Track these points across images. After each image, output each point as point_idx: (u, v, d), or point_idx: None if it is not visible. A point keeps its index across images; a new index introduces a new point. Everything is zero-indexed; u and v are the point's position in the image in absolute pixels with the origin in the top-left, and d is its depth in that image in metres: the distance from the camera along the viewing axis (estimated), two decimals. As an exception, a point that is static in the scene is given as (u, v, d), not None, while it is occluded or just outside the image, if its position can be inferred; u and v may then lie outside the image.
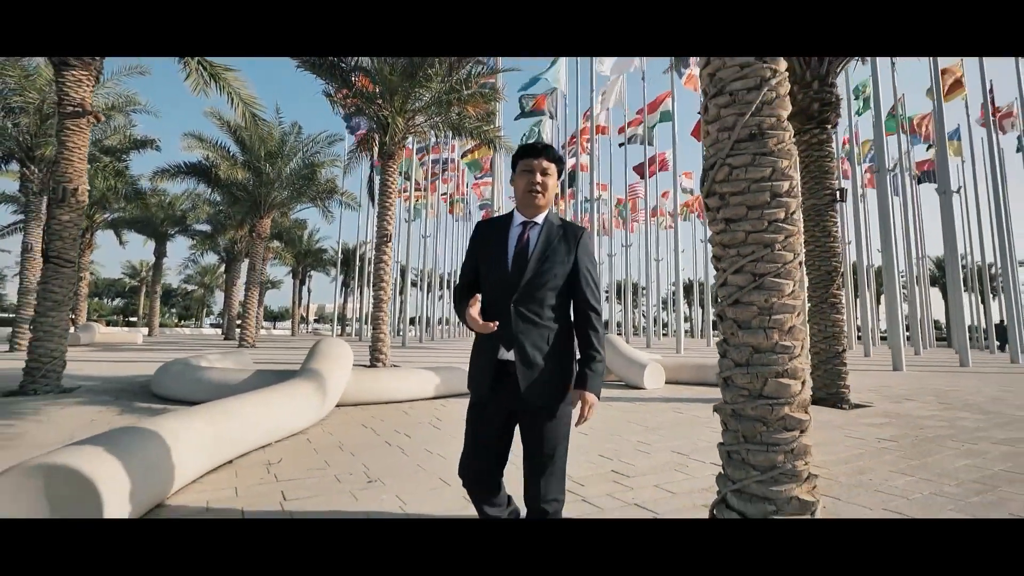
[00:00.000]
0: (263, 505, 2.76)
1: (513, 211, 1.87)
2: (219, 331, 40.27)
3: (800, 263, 2.54)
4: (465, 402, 1.89)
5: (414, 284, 39.45)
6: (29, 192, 13.49)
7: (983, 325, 27.85)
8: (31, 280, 13.54)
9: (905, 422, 5.47)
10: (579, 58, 24.61)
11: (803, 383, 2.38)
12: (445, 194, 35.56)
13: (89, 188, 7.38)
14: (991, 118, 18.78)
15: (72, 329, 17.55)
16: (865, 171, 27.08)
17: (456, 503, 2.76)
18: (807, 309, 7.25)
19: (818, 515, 2.27)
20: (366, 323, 36.86)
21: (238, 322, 26.32)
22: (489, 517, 1.84)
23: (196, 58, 7.70)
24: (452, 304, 1.93)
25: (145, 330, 22.37)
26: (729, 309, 2.52)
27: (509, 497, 2.01)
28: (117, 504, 2.18)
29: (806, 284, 6.99)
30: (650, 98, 26.79)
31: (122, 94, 13.73)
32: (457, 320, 41.65)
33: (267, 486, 3.08)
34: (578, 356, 1.82)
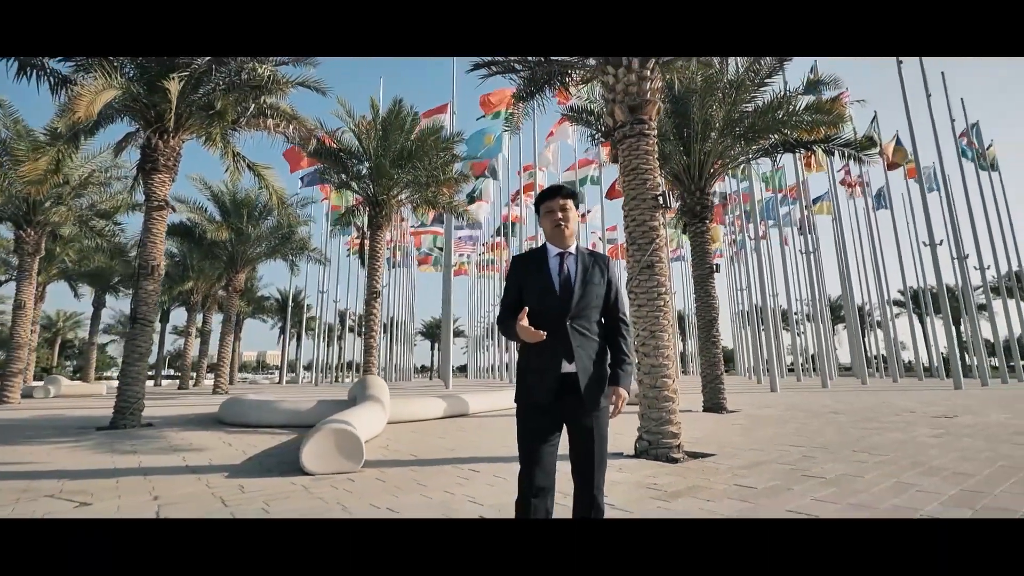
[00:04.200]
0: (404, 457, 5.13)
1: (545, 244, 2.09)
2: (153, 382, 38.86)
3: (672, 324, 5.42)
4: (465, 421, 3.31)
5: (351, 330, 40.70)
6: (24, 253, 14.48)
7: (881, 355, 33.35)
8: (22, 336, 14.36)
9: (755, 418, 8.56)
10: (521, 125, 28.18)
11: (673, 380, 5.21)
12: (389, 241, 37.83)
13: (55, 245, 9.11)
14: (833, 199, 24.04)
15: (41, 382, 17.91)
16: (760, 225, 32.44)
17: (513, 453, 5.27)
18: (696, 346, 10.37)
19: (680, 442, 5.02)
20: (306, 370, 37.52)
21: (192, 373, 26.65)
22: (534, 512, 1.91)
23: (247, 160, 9.95)
24: (497, 325, 2.11)
25: (107, 383, 22.23)
26: (640, 348, 5.34)
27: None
28: (363, 449, 4.54)
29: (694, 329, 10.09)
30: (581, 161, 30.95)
31: (120, 163, 15.21)
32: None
33: (395, 453, 5.44)
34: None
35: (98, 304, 30.12)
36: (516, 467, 1.97)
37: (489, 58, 7.28)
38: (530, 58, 7.30)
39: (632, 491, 3.70)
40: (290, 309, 31.96)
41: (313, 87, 10.04)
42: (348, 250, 33.50)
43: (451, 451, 5.57)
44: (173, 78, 7.75)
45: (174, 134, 8.79)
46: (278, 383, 39.85)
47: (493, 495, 3.61)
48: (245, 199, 18.41)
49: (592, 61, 6.73)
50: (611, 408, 1.95)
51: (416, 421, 8.42)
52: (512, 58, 7.23)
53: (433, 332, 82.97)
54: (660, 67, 6.19)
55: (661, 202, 5.62)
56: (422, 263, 41.21)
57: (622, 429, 7.04)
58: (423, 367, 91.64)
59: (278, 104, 9.56)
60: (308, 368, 42.53)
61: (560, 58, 7.35)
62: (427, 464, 4.83)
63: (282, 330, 48.51)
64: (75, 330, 48.29)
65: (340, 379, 40.47)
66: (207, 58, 8.27)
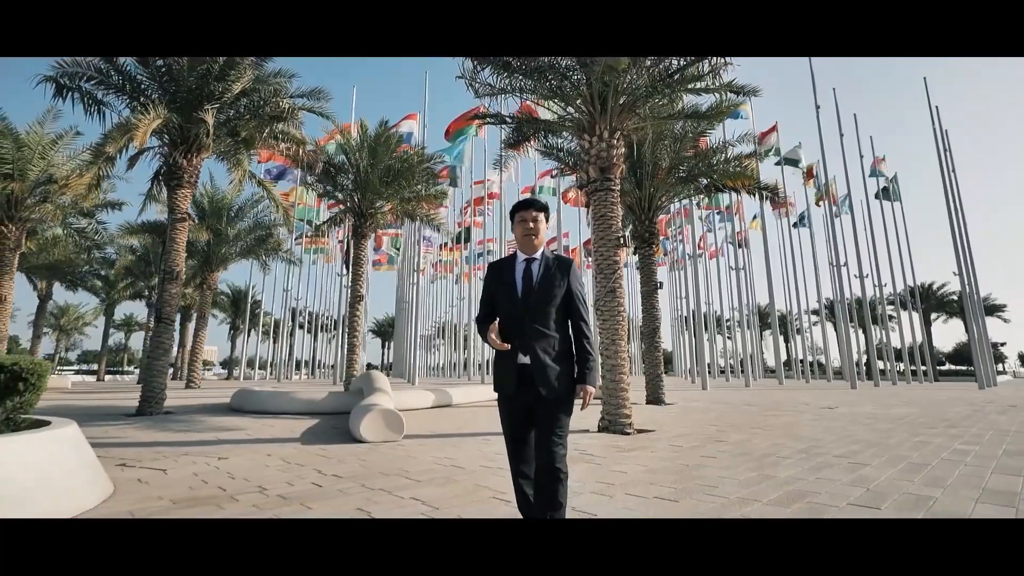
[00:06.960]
0: (425, 432, 6.69)
1: (516, 252, 2.39)
2: (96, 377, 37.70)
3: (626, 333, 7.27)
4: (449, 411, 4.77)
5: (301, 327, 40.93)
6: (5, 248, 14.70)
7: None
8: (1, 330, 14.62)
9: (687, 408, 10.66)
10: (482, 139, 29.86)
11: (627, 375, 7.07)
12: (341, 241, 38.54)
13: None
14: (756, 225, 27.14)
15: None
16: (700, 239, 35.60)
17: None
18: (641, 351, 12.47)
19: (631, 422, 6.87)
20: (256, 368, 37.63)
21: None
22: (524, 492, 2.23)
23: (256, 178, 11.10)
24: (476, 329, 2.41)
25: (72, 378, 21.99)
26: (604, 352, 7.17)
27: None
28: (404, 424, 6.10)
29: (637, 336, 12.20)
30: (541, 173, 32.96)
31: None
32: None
33: (416, 430, 6.99)
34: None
35: (44, 297, 29.28)
36: None
37: (484, 112, 8.97)
38: (519, 115, 9.05)
39: (601, 449, 5.48)
40: (249, 306, 32.08)
41: (318, 112, 11.34)
42: (310, 250, 34.02)
43: (460, 428, 7.20)
44: (208, 109, 8.92)
45: (198, 154, 9.88)
46: (227, 379, 39.50)
47: (510, 451, 5.28)
48: (223, 200, 19.08)
49: (570, 118, 8.53)
50: (579, 402, 2.21)
51: (410, 410, 9.93)
52: (505, 114, 8.94)
53: (384, 331, 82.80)
54: (623, 136, 8.05)
55: (622, 242, 7.48)
56: (379, 263, 42.04)
57: (588, 413, 8.89)
58: (369, 364, 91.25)
59: (289, 130, 10.78)
60: (250, 366, 42.12)
61: (543, 118, 9.14)
62: (449, 436, 6.44)
63: (234, 327, 47.78)
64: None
65: (308, 375, 40.59)
66: (237, 90, 9.44)
